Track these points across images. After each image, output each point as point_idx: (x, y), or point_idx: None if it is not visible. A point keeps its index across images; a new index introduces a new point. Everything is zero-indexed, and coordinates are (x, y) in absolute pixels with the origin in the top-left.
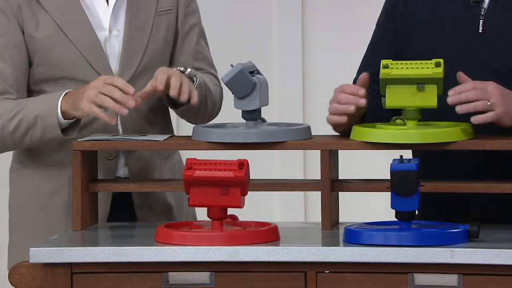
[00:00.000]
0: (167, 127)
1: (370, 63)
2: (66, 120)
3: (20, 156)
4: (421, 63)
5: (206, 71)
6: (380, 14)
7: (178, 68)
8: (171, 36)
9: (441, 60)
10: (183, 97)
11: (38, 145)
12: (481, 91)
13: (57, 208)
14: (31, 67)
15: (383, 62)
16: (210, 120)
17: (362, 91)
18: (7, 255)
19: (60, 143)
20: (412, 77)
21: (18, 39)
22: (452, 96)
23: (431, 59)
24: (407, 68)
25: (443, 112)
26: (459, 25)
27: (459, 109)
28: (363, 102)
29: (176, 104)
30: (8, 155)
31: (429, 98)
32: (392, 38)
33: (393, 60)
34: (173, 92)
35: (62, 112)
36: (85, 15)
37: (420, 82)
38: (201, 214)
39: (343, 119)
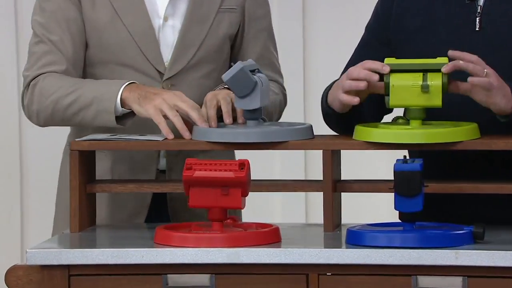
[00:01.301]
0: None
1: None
2: (122, 109)
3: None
4: (425, 60)
5: (270, 77)
6: (370, 18)
7: (224, 86)
8: (233, 35)
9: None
10: (227, 122)
11: (85, 127)
12: (481, 66)
13: (99, 194)
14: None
15: (386, 60)
16: None
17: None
18: (52, 231)
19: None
20: (417, 63)
21: (76, 15)
22: (453, 52)
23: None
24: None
25: (448, 112)
26: (455, 24)
27: (450, 65)
28: (387, 69)
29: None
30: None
31: (433, 98)
32: (381, 42)
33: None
34: (227, 121)
35: (121, 99)
36: (142, 0)
37: (425, 69)
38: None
39: (355, 100)
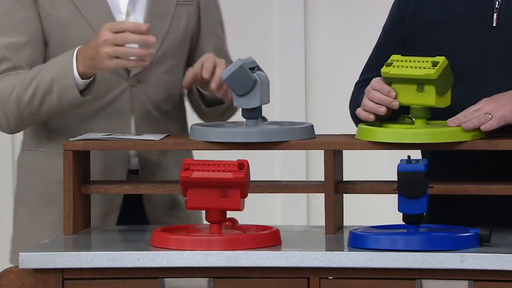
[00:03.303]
0: (183, 122)
1: (374, 67)
2: (83, 80)
3: (30, 143)
4: (422, 61)
5: None
6: (387, 18)
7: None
8: (192, 29)
9: (441, 59)
10: (214, 85)
11: (56, 113)
12: (476, 112)
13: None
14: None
15: (391, 57)
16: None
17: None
18: (10, 249)
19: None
20: (409, 77)
21: (33, 13)
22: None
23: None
24: (407, 67)
25: (455, 111)
26: (472, 20)
27: (464, 126)
28: (396, 104)
29: (207, 101)
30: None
31: (427, 97)
32: (398, 41)
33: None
34: (205, 74)
35: (79, 74)
36: None
37: (419, 82)
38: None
39: (371, 117)
